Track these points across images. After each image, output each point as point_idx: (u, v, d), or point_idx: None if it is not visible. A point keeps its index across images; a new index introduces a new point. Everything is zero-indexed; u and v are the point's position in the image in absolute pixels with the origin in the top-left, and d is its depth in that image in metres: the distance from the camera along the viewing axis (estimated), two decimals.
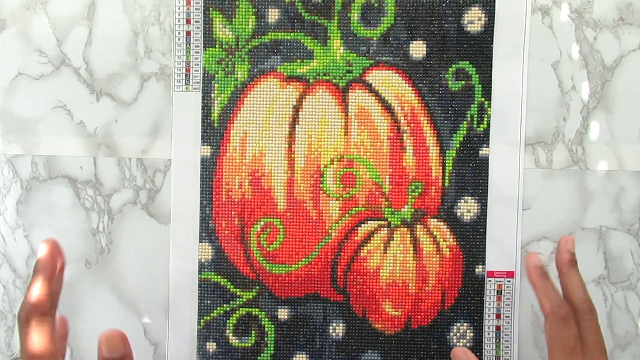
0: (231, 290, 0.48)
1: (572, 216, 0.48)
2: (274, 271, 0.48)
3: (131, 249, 0.49)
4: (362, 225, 0.48)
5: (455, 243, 0.48)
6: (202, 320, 0.49)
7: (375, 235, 0.48)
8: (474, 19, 0.47)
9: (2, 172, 0.49)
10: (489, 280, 0.48)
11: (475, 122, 0.47)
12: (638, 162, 0.48)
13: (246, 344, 0.49)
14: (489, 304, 0.48)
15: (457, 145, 0.48)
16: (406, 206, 0.48)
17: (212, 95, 0.48)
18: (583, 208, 0.48)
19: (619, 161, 0.48)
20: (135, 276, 0.49)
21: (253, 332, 0.49)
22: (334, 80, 0.48)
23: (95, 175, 0.49)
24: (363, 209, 0.48)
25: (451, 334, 0.48)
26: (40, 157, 0.49)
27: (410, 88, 0.48)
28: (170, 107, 0.48)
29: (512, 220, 0.48)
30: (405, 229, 0.48)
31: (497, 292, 0.48)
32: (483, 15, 0.47)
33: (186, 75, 0.48)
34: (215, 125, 0.48)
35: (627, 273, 0.48)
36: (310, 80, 0.48)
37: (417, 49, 0.47)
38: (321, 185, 0.48)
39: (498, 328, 0.48)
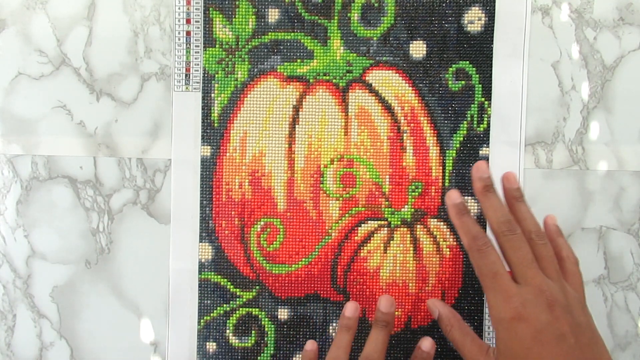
0: (231, 290, 0.48)
1: (572, 216, 0.48)
2: (274, 271, 0.48)
3: (131, 249, 0.49)
4: (362, 225, 0.48)
5: (455, 243, 0.48)
6: (202, 320, 0.49)
7: (375, 235, 0.48)
8: (474, 19, 0.47)
9: (2, 172, 0.49)
10: None
11: (475, 122, 0.47)
12: (638, 162, 0.48)
13: (246, 344, 0.49)
14: None
15: (457, 145, 0.48)
16: (406, 206, 0.48)
17: (212, 95, 0.48)
18: (583, 208, 0.48)
19: (619, 161, 0.48)
20: (135, 276, 0.49)
21: (253, 332, 0.49)
22: (334, 80, 0.48)
23: (95, 175, 0.49)
24: (363, 209, 0.48)
25: None
26: (40, 157, 0.49)
27: (411, 88, 0.48)
28: (170, 107, 0.48)
29: None
30: (405, 229, 0.48)
31: None
32: (483, 15, 0.47)
33: (186, 75, 0.48)
34: (215, 125, 0.48)
35: (627, 273, 0.48)
36: (311, 80, 0.48)
37: (417, 49, 0.47)
38: (321, 185, 0.48)
39: None
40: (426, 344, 0.44)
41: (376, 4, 0.47)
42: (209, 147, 0.48)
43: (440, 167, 0.48)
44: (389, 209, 0.48)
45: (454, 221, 0.42)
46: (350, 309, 0.45)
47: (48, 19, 0.49)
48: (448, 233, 0.48)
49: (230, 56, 0.48)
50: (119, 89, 0.49)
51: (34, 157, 0.49)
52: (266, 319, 0.48)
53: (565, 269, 0.41)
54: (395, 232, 0.48)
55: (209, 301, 0.48)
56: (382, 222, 0.48)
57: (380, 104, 0.48)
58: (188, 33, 0.48)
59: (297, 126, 0.48)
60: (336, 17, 0.47)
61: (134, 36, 0.49)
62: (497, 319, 0.38)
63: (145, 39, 0.49)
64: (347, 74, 0.48)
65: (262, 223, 0.48)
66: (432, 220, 0.48)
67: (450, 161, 0.48)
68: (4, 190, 0.50)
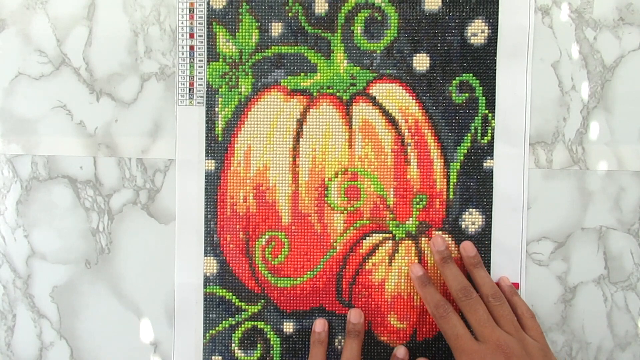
0: (236, 304, 0.48)
1: (572, 216, 0.48)
2: (279, 285, 0.48)
3: (131, 249, 0.49)
4: (367, 238, 0.48)
5: (459, 255, 0.48)
6: (207, 334, 0.49)
7: (380, 248, 0.48)
8: (477, 31, 0.47)
9: (2, 172, 0.49)
10: None
11: (479, 134, 0.47)
12: (638, 162, 0.48)
13: (252, 358, 0.49)
14: None
15: (462, 158, 0.48)
16: (411, 219, 0.48)
17: (216, 109, 0.48)
18: (583, 208, 0.48)
19: (619, 161, 0.48)
20: (135, 276, 0.49)
21: (258, 345, 0.49)
22: (337, 94, 0.48)
23: (95, 175, 0.49)
24: (368, 222, 0.48)
25: None
26: (40, 157, 0.49)
27: (414, 101, 0.48)
28: (174, 119, 0.48)
29: (516, 233, 0.48)
30: (410, 242, 0.48)
31: None
32: (486, 27, 0.47)
33: (190, 89, 0.48)
34: (220, 139, 0.48)
35: (627, 273, 0.48)
36: (314, 94, 0.48)
37: (421, 62, 0.47)
38: (326, 198, 0.48)
39: None
40: (401, 351, 0.47)
41: (379, 17, 0.47)
42: (213, 161, 0.48)
43: (445, 180, 0.48)
44: (394, 222, 0.48)
45: (418, 291, 0.46)
46: (355, 315, 0.47)
47: (48, 19, 0.49)
48: (453, 245, 0.48)
49: (233, 70, 0.48)
50: (119, 89, 0.49)
51: (34, 157, 0.49)
52: (271, 333, 0.48)
53: (524, 324, 0.44)
54: (400, 244, 0.48)
55: (214, 315, 0.48)
56: (387, 235, 0.48)
57: (384, 117, 0.48)
58: (191, 47, 0.48)
59: (301, 140, 0.48)
60: (339, 31, 0.47)
61: (134, 36, 0.49)
62: None
63: (145, 39, 0.48)
64: (351, 87, 0.48)
65: (266, 237, 0.48)
66: (436, 232, 0.48)
67: (455, 173, 0.48)
68: (4, 190, 0.50)
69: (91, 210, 0.49)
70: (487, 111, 0.47)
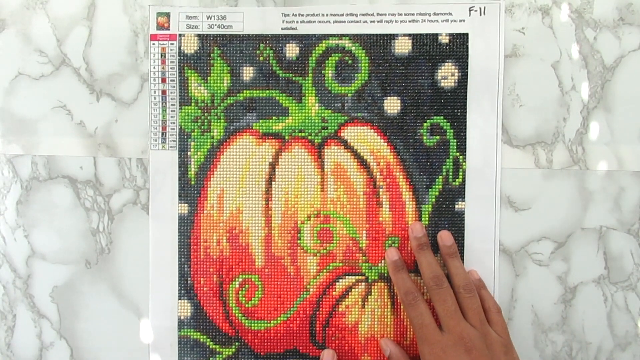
0: (211, 347, 0.49)
1: (572, 216, 0.48)
2: (253, 327, 0.48)
3: (131, 249, 0.49)
4: (340, 280, 0.48)
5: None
6: None
7: (353, 290, 0.48)
8: (447, 74, 0.47)
9: (2, 172, 0.50)
10: None
11: (450, 177, 0.48)
12: (638, 162, 0.48)
13: None
14: None
15: (433, 200, 0.48)
16: (383, 261, 0.48)
17: (189, 153, 0.48)
18: (583, 208, 0.48)
19: (619, 161, 0.48)
20: (135, 276, 0.49)
21: None
22: (309, 137, 0.48)
23: (95, 175, 0.49)
24: (340, 264, 0.48)
25: None
26: (40, 157, 0.49)
27: (386, 143, 0.48)
28: (148, 167, 0.49)
29: (489, 272, 0.48)
30: (383, 284, 0.48)
31: None
32: (456, 70, 0.47)
33: (162, 133, 0.48)
34: (192, 183, 0.48)
35: (627, 273, 0.48)
36: (286, 137, 0.48)
37: (392, 105, 0.48)
38: (298, 241, 0.48)
39: None
40: (327, 355, 0.47)
41: (350, 61, 0.47)
42: (186, 204, 0.48)
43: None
44: (367, 264, 0.48)
45: (391, 276, 0.47)
46: (327, 355, 0.47)
47: (48, 19, 0.49)
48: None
49: (205, 114, 0.48)
50: (119, 89, 0.49)
51: (34, 157, 0.49)
52: None
53: (490, 318, 0.45)
54: (373, 286, 0.48)
55: (188, 358, 0.49)
56: (360, 277, 0.48)
57: (355, 160, 0.48)
58: (164, 92, 0.48)
59: (273, 183, 0.48)
60: (310, 74, 0.48)
61: (134, 36, 0.49)
62: None
63: (145, 39, 0.49)
64: (323, 131, 0.48)
65: (240, 279, 0.48)
66: (409, 274, 0.48)
67: (427, 216, 0.48)
68: (4, 190, 0.50)
69: (91, 210, 0.49)
70: (458, 153, 0.47)
